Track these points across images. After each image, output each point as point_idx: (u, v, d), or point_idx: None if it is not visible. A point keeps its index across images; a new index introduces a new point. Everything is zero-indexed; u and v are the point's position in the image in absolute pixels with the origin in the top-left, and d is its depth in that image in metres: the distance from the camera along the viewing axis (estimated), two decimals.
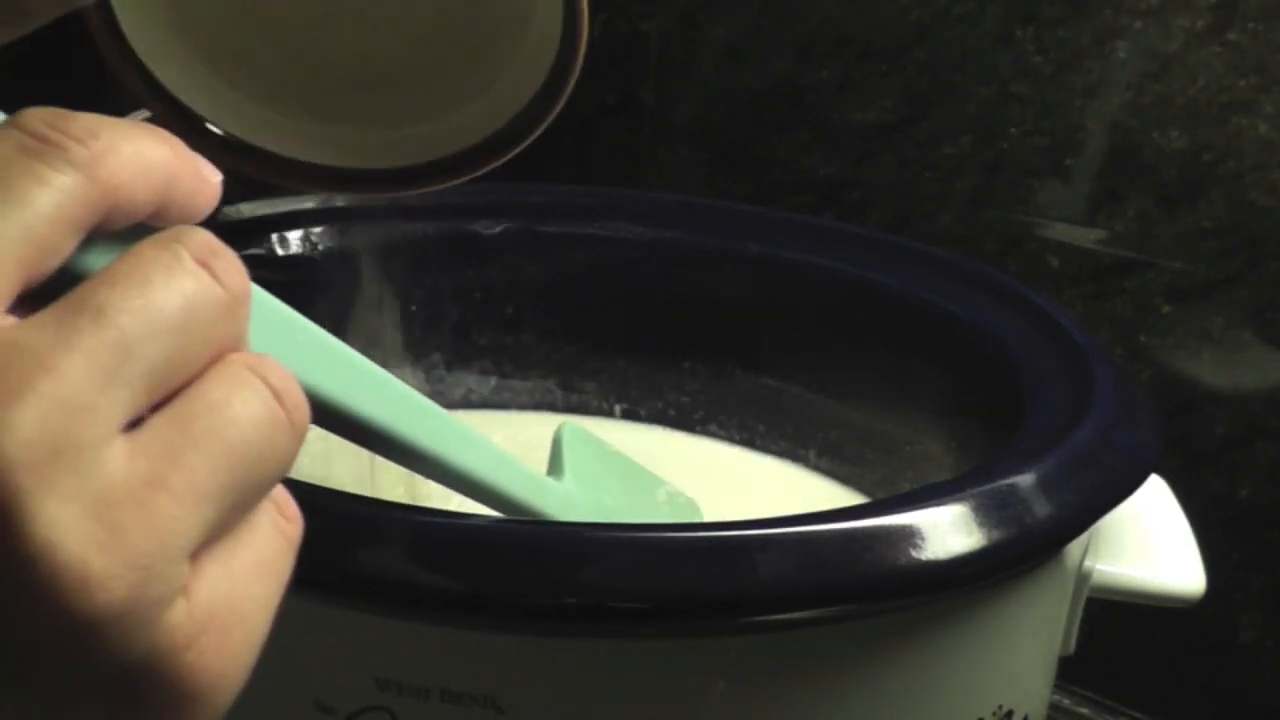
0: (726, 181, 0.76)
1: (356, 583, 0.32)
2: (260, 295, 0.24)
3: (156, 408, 0.20)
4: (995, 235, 0.67)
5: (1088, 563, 0.42)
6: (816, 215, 0.71)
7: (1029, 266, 0.66)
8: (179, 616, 0.20)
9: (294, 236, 0.54)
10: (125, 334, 0.19)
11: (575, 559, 0.32)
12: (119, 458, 0.19)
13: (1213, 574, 0.43)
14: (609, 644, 0.34)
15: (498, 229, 0.58)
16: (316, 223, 0.55)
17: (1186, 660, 0.66)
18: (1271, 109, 0.59)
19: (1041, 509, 0.36)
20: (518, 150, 0.46)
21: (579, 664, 0.34)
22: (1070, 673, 0.48)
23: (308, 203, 0.56)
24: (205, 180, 0.22)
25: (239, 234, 0.53)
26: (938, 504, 0.35)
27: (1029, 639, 0.40)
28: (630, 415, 0.60)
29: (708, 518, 0.46)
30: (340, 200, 0.56)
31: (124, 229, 0.21)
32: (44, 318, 0.19)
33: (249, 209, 0.55)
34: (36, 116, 0.20)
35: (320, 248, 0.55)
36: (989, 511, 0.35)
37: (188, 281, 0.20)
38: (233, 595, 0.21)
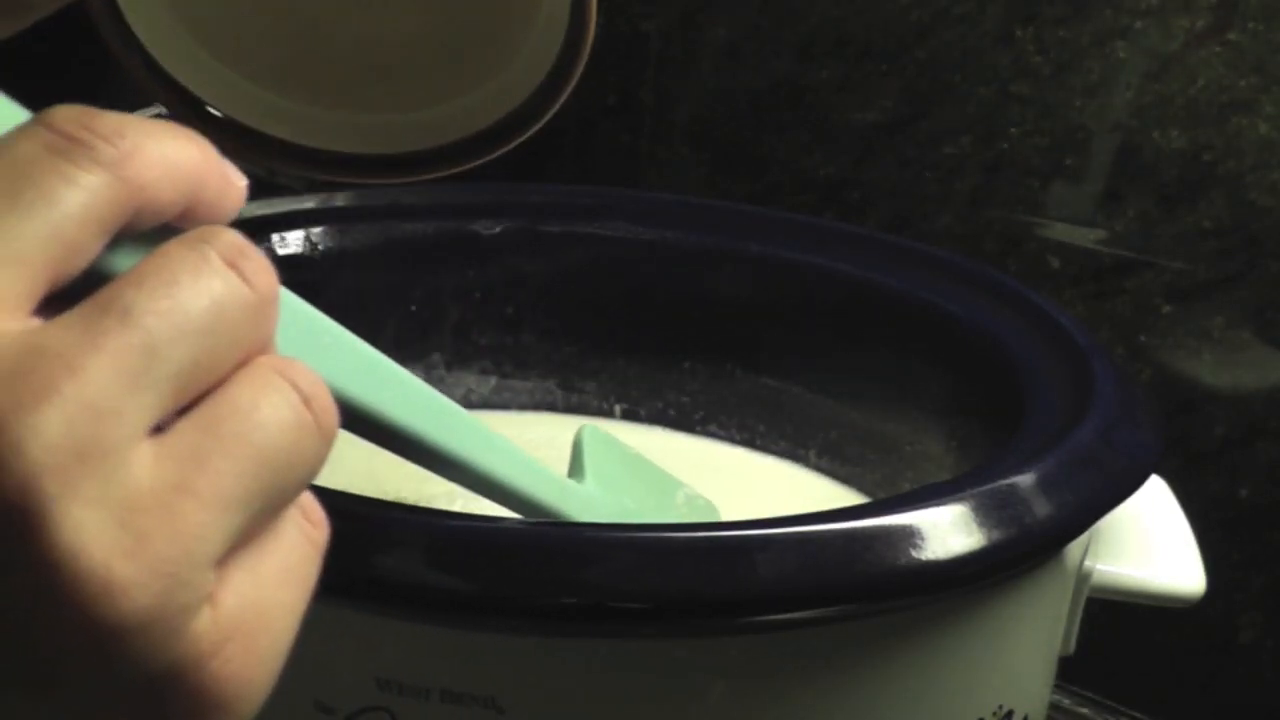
0: (726, 181, 0.76)
1: (357, 583, 0.32)
2: (287, 297, 0.23)
3: (183, 412, 0.20)
4: (995, 235, 0.67)
5: (1088, 563, 0.42)
6: (816, 215, 0.71)
7: (1029, 266, 0.66)
8: (204, 625, 0.20)
9: (294, 236, 0.54)
10: (152, 336, 0.19)
11: (575, 559, 0.32)
12: (145, 463, 0.19)
13: (1213, 574, 0.43)
14: (609, 644, 0.34)
15: (498, 229, 0.58)
16: (316, 223, 0.55)
17: (1186, 660, 0.66)
18: (1271, 109, 0.59)
19: (1041, 509, 0.36)
20: (523, 138, 0.46)
21: (579, 664, 0.34)
22: (1070, 673, 0.48)
23: (308, 203, 0.56)
24: (232, 183, 0.22)
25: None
26: (938, 504, 0.35)
27: (1029, 639, 0.40)
28: (630, 415, 0.60)
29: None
30: (340, 200, 0.56)
31: (151, 230, 0.21)
32: (70, 319, 0.19)
33: (249, 209, 0.55)
34: (65, 115, 0.20)
35: (320, 248, 0.55)
36: (989, 511, 0.35)
37: (216, 282, 0.20)
38: (259, 602, 0.21)
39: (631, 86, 0.78)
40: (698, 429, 0.59)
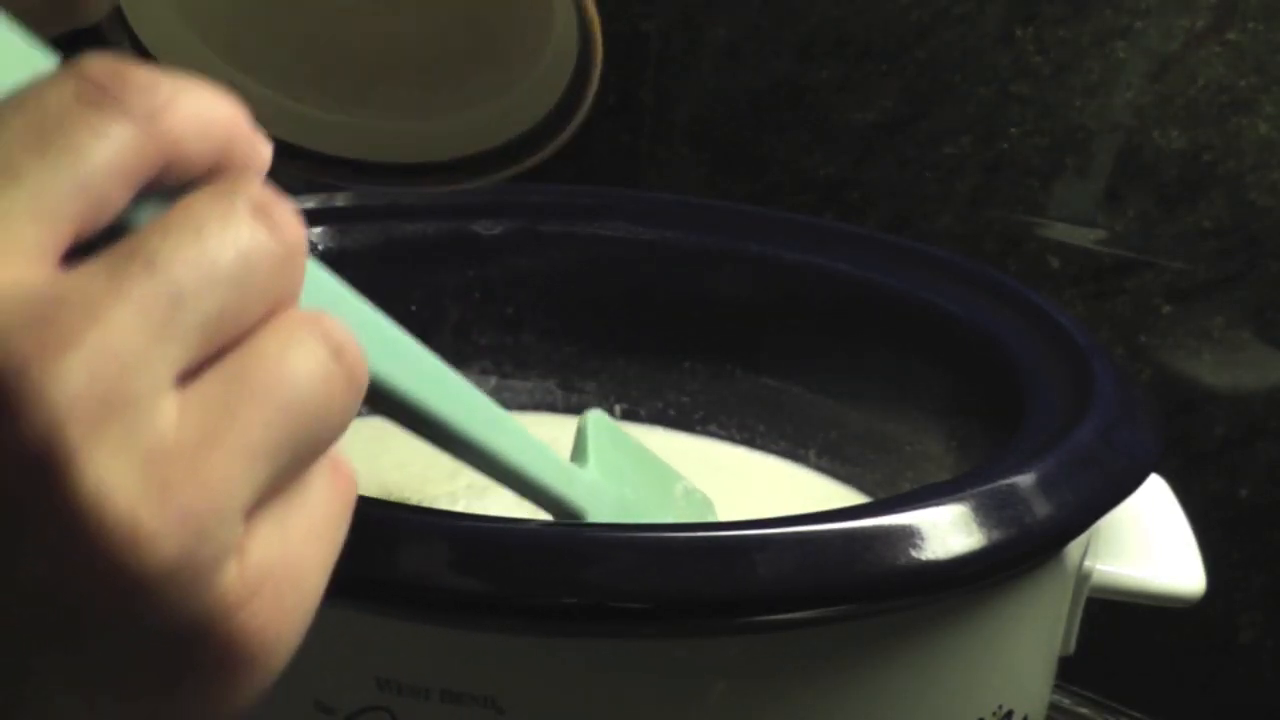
0: (726, 181, 0.76)
1: (357, 583, 0.32)
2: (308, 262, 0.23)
3: (210, 363, 0.19)
4: (995, 235, 0.67)
5: (1088, 563, 0.42)
6: (816, 215, 0.71)
7: (1029, 266, 0.66)
8: (231, 577, 0.19)
9: None
10: (178, 284, 0.19)
11: (575, 559, 0.32)
12: (170, 413, 0.19)
13: (1213, 574, 0.43)
14: (609, 644, 0.34)
15: (498, 229, 0.58)
16: (316, 223, 0.55)
17: (1186, 660, 0.66)
18: (1271, 109, 0.59)
19: (1041, 509, 0.36)
20: (529, 162, 0.46)
21: (579, 664, 0.34)
22: (1070, 673, 0.48)
23: (308, 202, 0.56)
24: (260, 144, 0.21)
25: None
26: (938, 504, 0.35)
27: (1029, 639, 0.40)
28: (630, 415, 0.60)
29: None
30: (340, 200, 0.56)
31: (178, 186, 0.20)
32: (94, 267, 0.18)
33: None
34: (97, 66, 0.19)
35: (320, 248, 0.55)
36: (989, 511, 0.35)
37: (243, 232, 0.20)
38: (287, 556, 0.20)
39: (631, 86, 0.78)
40: (698, 429, 0.59)
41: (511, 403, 0.59)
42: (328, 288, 0.25)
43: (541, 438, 0.43)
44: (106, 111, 0.19)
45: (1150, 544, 0.44)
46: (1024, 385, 0.46)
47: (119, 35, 0.42)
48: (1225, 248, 0.61)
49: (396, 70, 0.47)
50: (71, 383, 0.18)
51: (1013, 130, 0.65)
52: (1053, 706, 0.56)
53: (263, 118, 0.22)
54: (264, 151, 0.22)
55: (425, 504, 0.50)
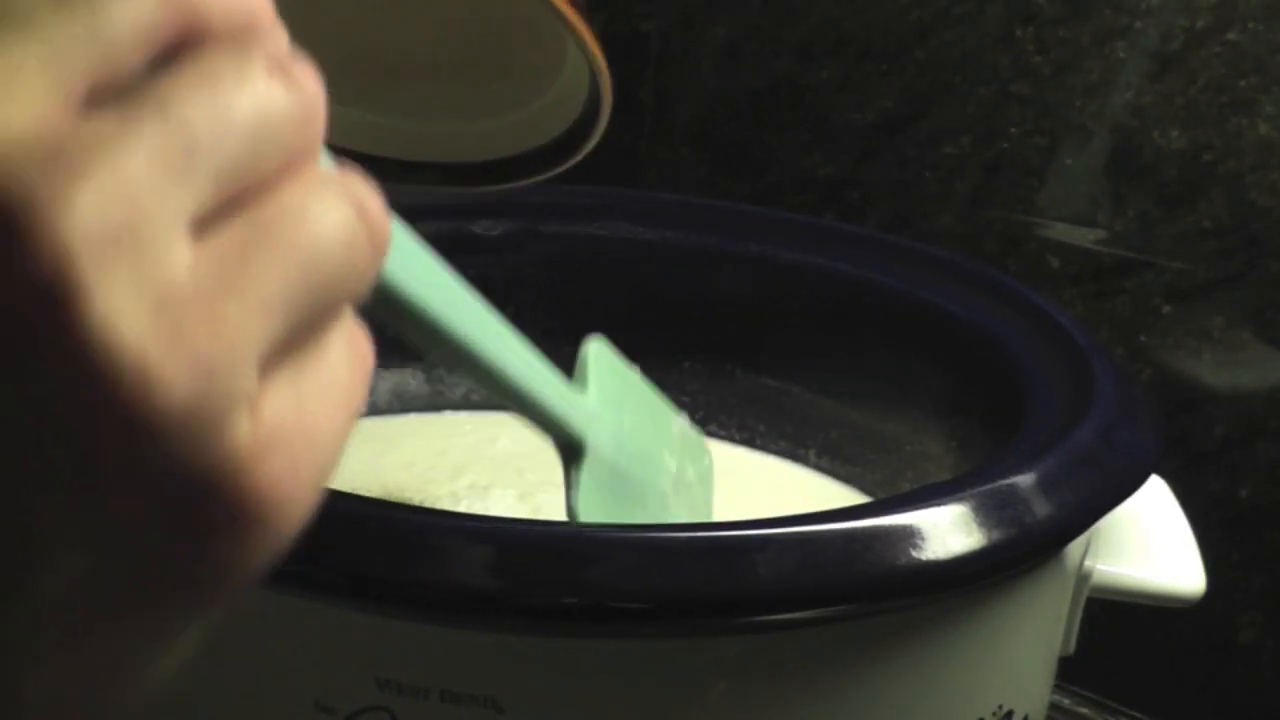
0: (726, 181, 0.76)
1: (357, 583, 0.32)
2: None
3: (226, 216, 0.19)
4: (995, 235, 0.67)
5: (1088, 563, 0.42)
6: (816, 215, 0.71)
7: (1029, 266, 0.66)
8: (244, 431, 0.19)
9: None
10: (191, 131, 0.18)
11: (575, 559, 0.32)
12: (183, 258, 0.18)
13: (1213, 574, 0.43)
14: (609, 644, 0.34)
15: (498, 229, 0.58)
16: None
17: (1186, 660, 0.66)
18: (1271, 109, 0.59)
19: (1041, 509, 0.36)
20: (529, 178, 0.46)
21: (579, 664, 0.34)
22: (1070, 673, 0.48)
23: None
24: (281, 32, 0.21)
25: None
26: (938, 504, 0.35)
27: (1029, 639, 0.40)
28: None
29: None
30: None
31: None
32: (105, 111, 0.18)
33: None
34: None
35: None
36: (989, 511, 0.35)
37: (260, 86, 0.19)
38: (302, 417, 0.20)
39: (631, 86, 0.78)
40: (698, 429, 0.59)
41: None
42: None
43: (539, 440, 0.43)
44: None
45: (1150, 544, 0.44)
46: (1024, 385, 0.46)
47: None
48: (1225, 248, 0.61)
49: (406, 73, 0.47)
50: (81, 216, 0.17)
51: (1013, 130, 0.66)
52: (1053, 706, 0.56)
53: None
54: (285, 37, 0.21)
55: (427, 504, 0.50)
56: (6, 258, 0.17)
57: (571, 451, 0.36)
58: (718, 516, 0.45)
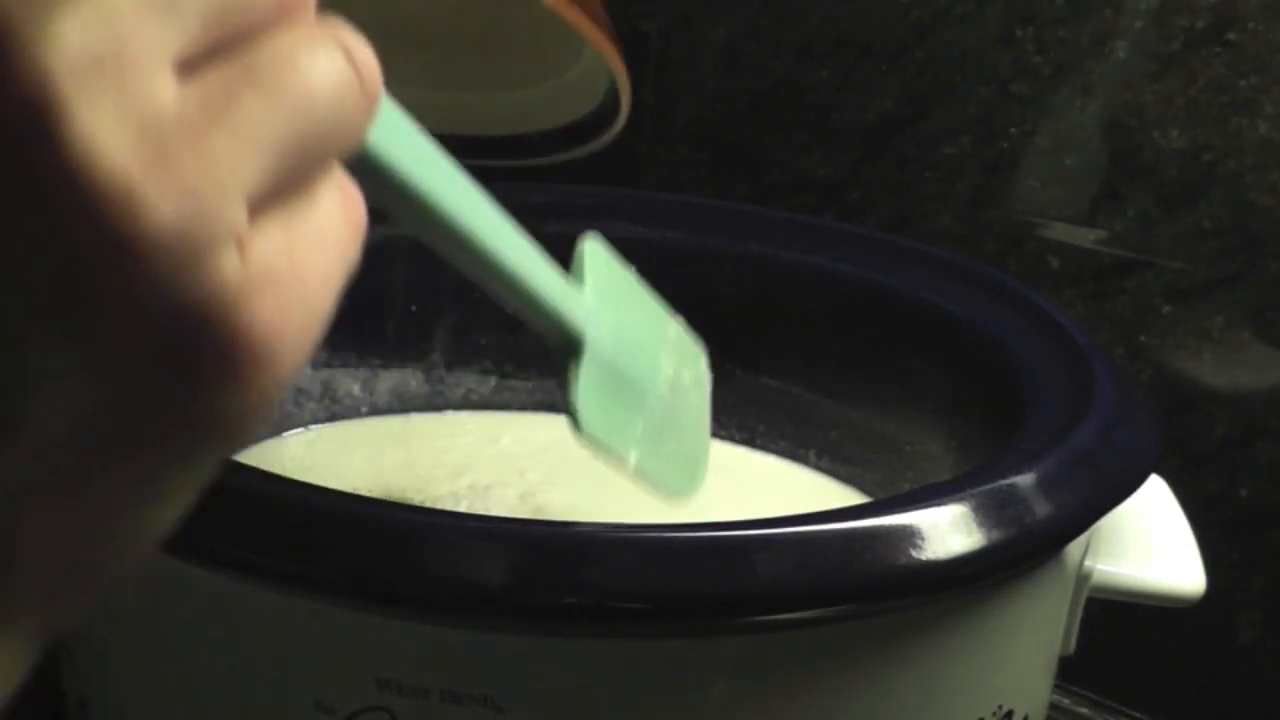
0: (726, 181, 0.76)
1: (357, 583, 0.32)
2: None
3: (215, 57, 0.19)
4: (995, 235, 0.67)
5: (1088, 563, 0.42)
6: (816, 215, 0.71)
7: (1029, 266, 0.66)
8: (233, 267, 0.19)
9: None
10: None
11: (575, 559, 0.32)
12: (168, 90, 0.18)
13: (1213, 574, 0.43)
14: (609, 644, 0.34)
15: None
16: None
17: (1186, 660, 0.66)
18: (1271, 109, 0.59)
19: (1041, 509, 0.36)
20: (553, 157, 0.45)
21: (579, 664, 0.34)
22: (1070, 673, 0.48)
23: None
24: None
25: None
26: (938, 504, 0.35)
27: (1029, 639, 0.40)
28: None
29: (708, 518, 0.45)
30: None
31: None
32: None
33: None
34: None
35: None
36: (989, 511, 0.35)
37: None
38: (293, 259, 0.20)
39: (632, 86, 0.78)
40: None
41: (512, 403, 0.60)
42: None
43: (542, 439, 0.42)
44: None
45: (1150, 544, 0.44)
46: (1024, 385, 0.46)
47: None
48: (1225, 248, 0.61)
49: (420, 41, 0.46)
50: (63, 41, 0.17)
51: (1013, 130, 0.65)
52: (1053, 706, 0.56)
53: None
54: None
55: (427, 504, 0.50)
56: None
57: (569, 348, 0.34)
58: (718, 518, 0.45)
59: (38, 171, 0.18)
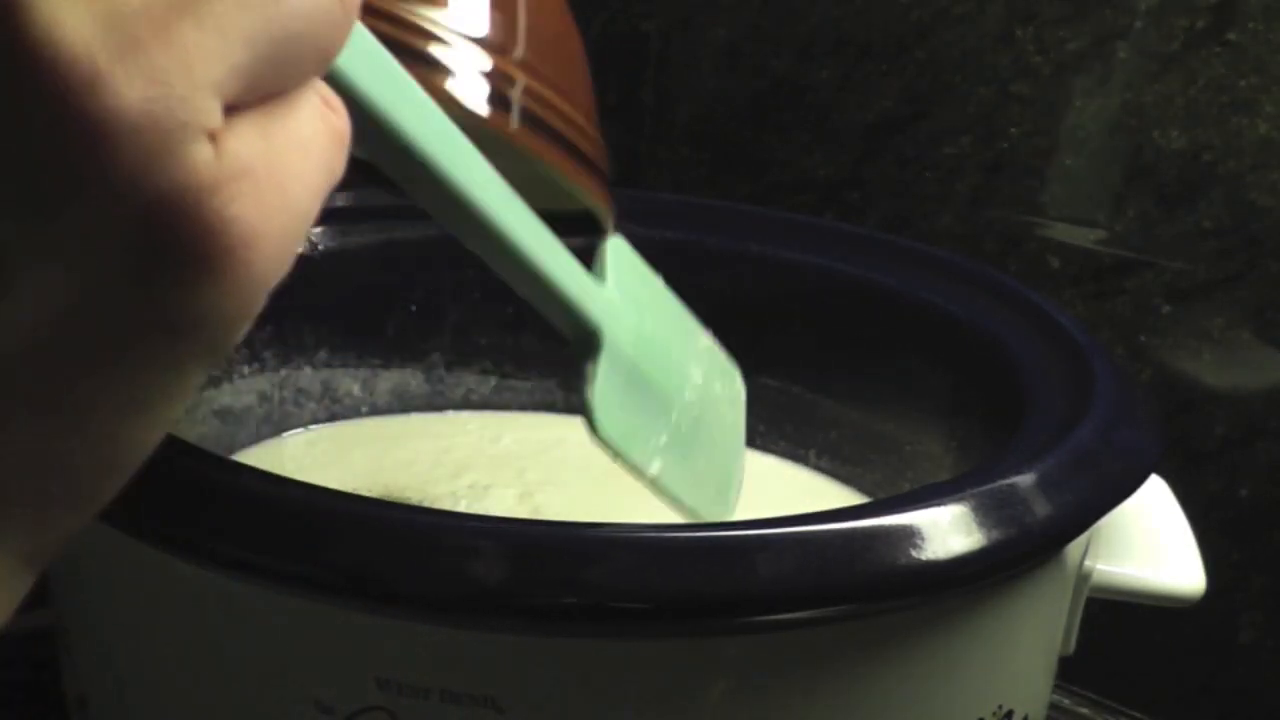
0: (726, 181, 0.76)
1: (357, 583, 0.32)
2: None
3: None
4: (995, 235, 0.67)
5: (1088, 563, 0.42)
6: (816, 215, 0.71)
7: (1029, 266, 0.66)
8: (205, 157, 0.19)
9: None
10: None
11: (575, 559, 0.32)
12: None
13: (1213, 574, 0.43)
14: (609, 644, 0.34)
15: None
16: (317, 223, 0.55)
17: (1186, 660, 0.66)
18: (1271, 109, 0.59)
19: (1041, 509, 0.36)
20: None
21: (579, 664, 0.34)
22: (1070, 673, 0.48)
23: None
24: None
25: None
26: (938, 504, 0.35)
27: (1029, 639, 0.40)
28: None
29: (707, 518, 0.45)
30: (340, 200, 0.56)
31: None
32: None
33: None
34: None
35: (320, 248, 0.55)
36: (989, 511, 0.35)
37: None
38: (269, 158, 0.20)
39: (631, 86, 0.78)
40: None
41: (512, 403, 0.60)
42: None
43: (542, 439, 0.42)
44: None
45: (1150, 544, 0.44)
46: (1024, 385, 0.46)
47: None
48: (1225, 248, 0.61)
49: None
50: None
51: (1013, 130, 0.66)
52: (1053, 706, 0.56)
53: None
54: None
55: (426, 504, 0.50)
56: None
57: (586, 342, 0.32)
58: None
59: (2, 54, 0.17)
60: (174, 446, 0.33)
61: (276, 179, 0.20)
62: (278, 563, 0.33)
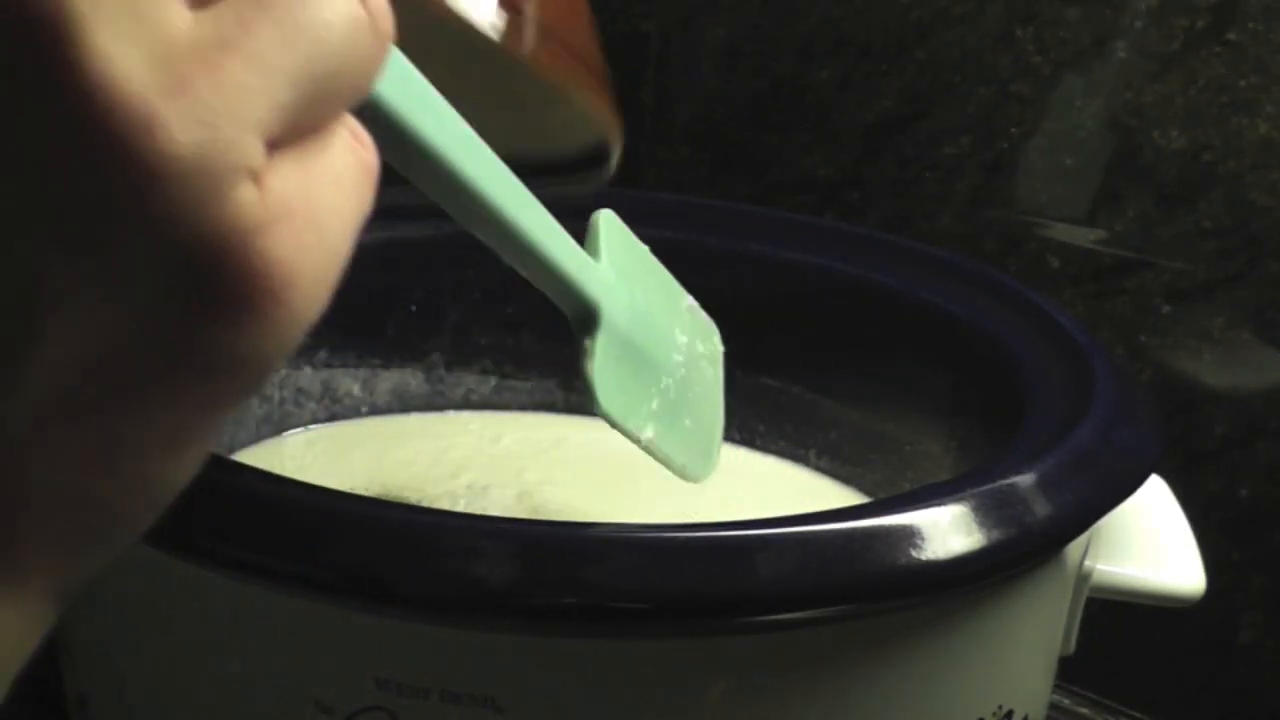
0: (726, 181, 0.76)
1: (356, 582, 0.32)
2: None
3: None
4: (995, 235, 0.67)
5: (1088, 563, 0.42)
6: (816, 215, 0.71)
7: (1029, 266, 0.66)
8: (250, 198, 0.19)
9: None
10: None
11: (575, 559, 0.32)
12: (183, 18, 0.18)
13: (1213, 574, 0.43)
14: (609, 644, 0.34)
15: None
16: None
17: (1186, 660, 0.66)
18: (1271, 109, 0.59)
19: (1041, 509, 0.36)
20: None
21: (579, 664, 0.34)
22: (1070, 673, 0.48)
23: None
24: None
25: None
26: (938, 504, 0.35)
27: (1029, 639, 0.40)
28: None
29: (708, 518, 0.45)
30: None
31: None
32: None
33: None
34: None
35: None
36: (989, 511, 0.35)
37: None
38: (308, 195, 0.20)
39: (631, 86, 0.78)
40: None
41: (512, 403, 0.59)
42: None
43: (542, 439, 0.42)
44: None
45: (1150, 544, 0.44)
46: (1024, 385, 0.46)
47: None
48: (1225, 248, 0.61)
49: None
50: None
51: (1013, 130, 0.65)
52: (1053, 706, 0.56)
53: None
54: None
55: (425, 504, 0.50)
56: (6, 4, 0.17)
57: (585, 319, 0.34)
58: (717, 518, 0.45)
59: (57, 93, 0.18)
60: None
61: (315, 217, 0.20)
62: (278, 563, 0.33)
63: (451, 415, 0.59)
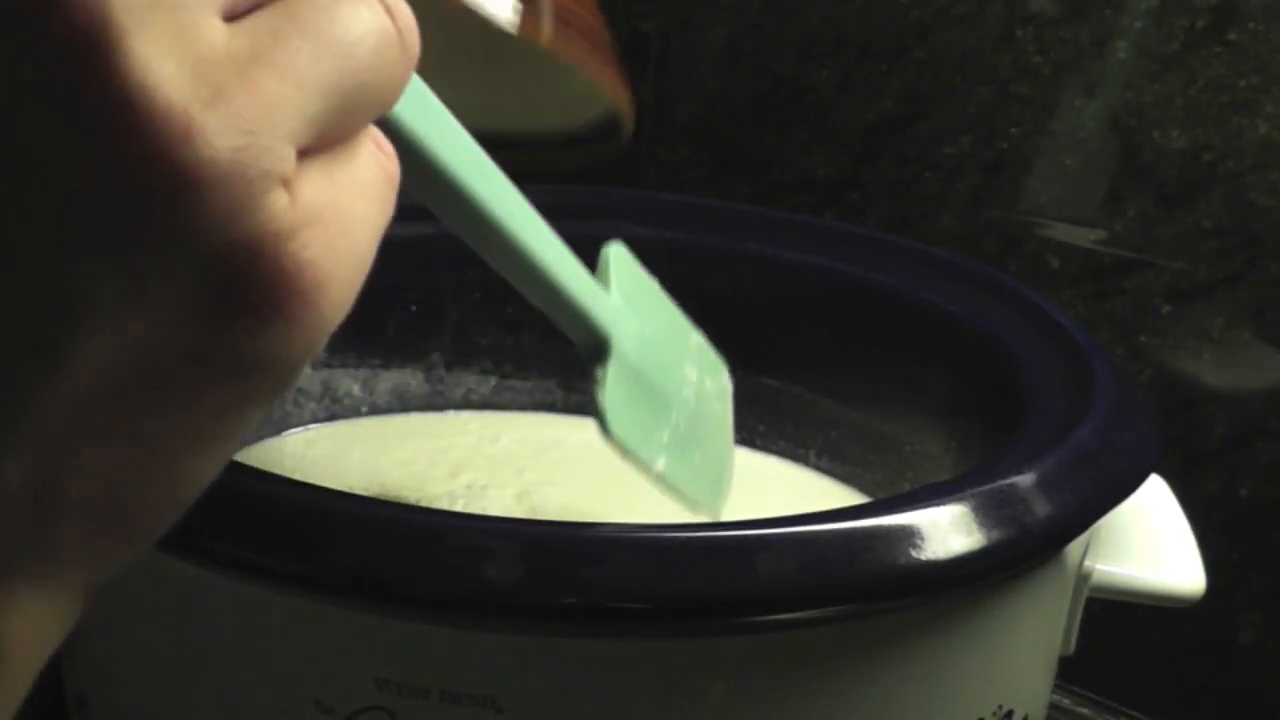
0: (726, 181, 0.76)
1: (356, 582, 0.32)
2: None
3: (256, 9, 0.20)
4: (995, 235, 0.67)
5: (1088, 563, 0.42)
6: (816, 215, 0.71)
7: (1029, 266, 0.66)
8: (282, 205, 0.20)
9: None
10: None
11: (575, 559, 0.32)
12: (219, 30, 0.19)
13: (1213, 574, 0.43)
14: (609, 644, 0.34)
15: None
16: None
17: (1186, 660, 0.66)
18: (1271, 109, 0.59)
19: (1041, 509, 0.36)
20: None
21: (579, 664, 0.34)
22: (1070, 673, 0.48)
23: None
24: None
25: None
26: (938, 504, 0.35)
27: (1029, 639, 0.40)
28: None
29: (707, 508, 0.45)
30: None
31: None
32: None
33: None
34: None
35: None
36: (989, 511, 0.35)
37: None
38: (336, 203, 0.21)
39: (631, 86, 0.78)
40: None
41: (512, 403, 0.59)
42: None
43: (541, 439, 0.42)
44: None
45: (1150, 544, 0.44)
46: (1024, 385, 0.46)
47: None
48: (1225, 248, 0.61)
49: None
50: None
51: (1013, 130, 0.65)
52: (1053, 706, 0.56)
53: None
54: None
55: (424, 503, 0.50)
56: (47, 13, 0.18)
57: (596, 349, 0.34)
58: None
59: (98, 101, 0.18)
60: None
61: (342, 223, 0.21)
62: (278, 563, 0.33)
63: (451, 415, 0.59)
